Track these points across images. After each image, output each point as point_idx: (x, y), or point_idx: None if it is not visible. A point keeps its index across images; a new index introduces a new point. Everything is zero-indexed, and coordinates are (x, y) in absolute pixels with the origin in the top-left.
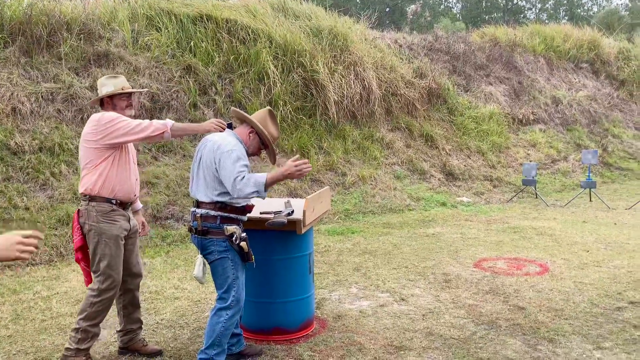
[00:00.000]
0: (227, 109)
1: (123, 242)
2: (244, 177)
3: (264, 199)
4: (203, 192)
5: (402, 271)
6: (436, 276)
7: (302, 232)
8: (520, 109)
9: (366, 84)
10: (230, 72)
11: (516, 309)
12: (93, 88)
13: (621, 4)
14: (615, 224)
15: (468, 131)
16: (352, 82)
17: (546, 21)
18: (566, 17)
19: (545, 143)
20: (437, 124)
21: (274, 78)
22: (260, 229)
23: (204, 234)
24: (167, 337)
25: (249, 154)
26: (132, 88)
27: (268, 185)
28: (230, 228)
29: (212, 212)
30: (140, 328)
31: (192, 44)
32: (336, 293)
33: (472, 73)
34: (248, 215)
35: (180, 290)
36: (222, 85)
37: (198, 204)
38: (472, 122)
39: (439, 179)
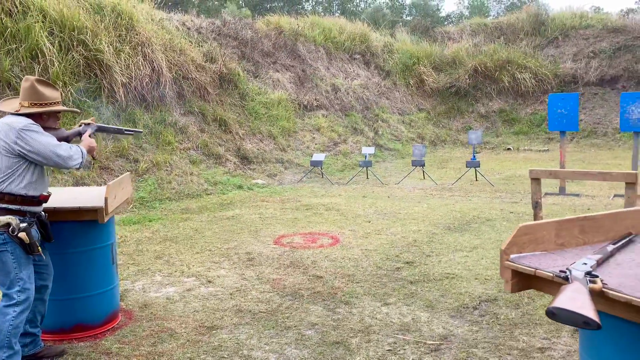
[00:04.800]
0: None
1: None
2: (69, 147)
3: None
4: None
5: (206, 255)
6: (240, 256)
7: (105, 220)
8: (305, 96)
9: (156, 66)
10: None
11: (315, 278)
12: None
13: (384, 2)
14: (388, 197)
15: (259, 116)
16: (140, 63)
17: (322, 13)
18: (339, 11)
19: (327, 127)
20: (230, 108)
21: (50, 56)
22: (55, 221)
23: None
24: None
25: (47, 129)
26: None
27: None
28: (3, 218)
29: None
30: None
31: None
32: (139, 283)
33: (260, 60)
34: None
35: None
36: None
37: None
38: (263, 107)
39: (234, 163)
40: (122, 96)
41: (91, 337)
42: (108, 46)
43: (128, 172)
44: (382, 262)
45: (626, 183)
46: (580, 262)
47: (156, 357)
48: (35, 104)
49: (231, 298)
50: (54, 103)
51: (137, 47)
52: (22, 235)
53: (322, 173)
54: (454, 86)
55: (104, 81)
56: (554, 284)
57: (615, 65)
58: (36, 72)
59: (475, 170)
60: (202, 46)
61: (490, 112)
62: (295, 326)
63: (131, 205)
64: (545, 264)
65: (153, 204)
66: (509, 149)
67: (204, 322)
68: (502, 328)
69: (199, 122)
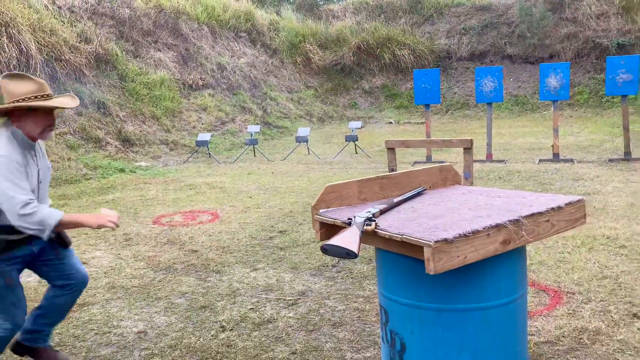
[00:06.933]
0: None
1: None
2: (27, 203)
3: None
4: None
5: (82, 238)
6: (117, 237)
7: None
8: (189, 75)
9: (23, 47)
10: None
11: (190, 252)
12: None
13: None
14: (272, 173)
15: (141, 97)
16: (5, 45)
17: None
18: None
19: (214, 106)
20: (109, 90)
21: None
22: None
23: None
24: None
25: (34, 137)
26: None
27: (64, 225)
28: None
29: None
30: None
31: None
32: None
33: (139, 39)
34: None
35: None
36: None
37: None
38: (144, 88)
39: (115, 146)
40: None
41: None
42: None
43: None
44: (257, 232)
45: (464, 149)
46: (365, 211)
47: None
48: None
49: (105, 276)
50: (34, 99)
51: (1, 29)
52: None
53: (209, 153)
54: (339, 63)
55: None
56: (345, 229)
57: (484, 41)
58: None
59: (355, 144)
60: (75, 26)
61: (374, 88)
62: (166, 296)
63: None
64: (344, 215)
65: None
66: (390, 122)
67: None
68: (354, 281)
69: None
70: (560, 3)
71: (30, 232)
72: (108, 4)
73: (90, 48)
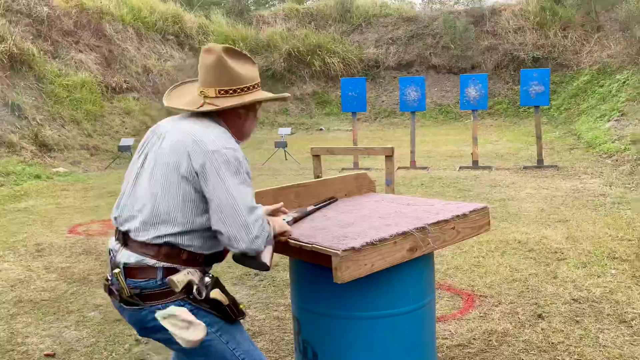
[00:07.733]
0: None
1: None
2: (262, 220)
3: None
4: (145, 219)
5: None
6: (28, 248)
7: None
8: (113, 78)
9: None
10: None
11: (106, 263)
12: None
13: None
14: None
15: (60, 100)
16: None
17: None
18: None
19: (139, 110)
20: (24, 92)
21: None
22: None
23: (140, 301)
24: None
25: (242, 140)
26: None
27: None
28: (180, 277)
29: (151, 261)
30: None
31: None
32: None
33: (59, 39)
34: None
35: None
36: None
37: (125, 241)
38: (64, 90)
39: (31, 151)
40: None
41: None
42: None
43: None
44: None
45: (385, 156)
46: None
47: None
48: (228, 92)
49: (12, 290)
50: (252, 87)
51: None
52: (216, 293)
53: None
54: (270, 69)
55: None
56: None
57: (410, 51)
58: None
59: (284, 150)
60: None
61: (305, 95)
62: (78, 310)
63: None
64: None
65: None
66: (321, 129)
67: None
68: (276, 289)
69: None
70: (481, 16)
71: (257, 249)
72: (24, 1)
73: (4, 47)
